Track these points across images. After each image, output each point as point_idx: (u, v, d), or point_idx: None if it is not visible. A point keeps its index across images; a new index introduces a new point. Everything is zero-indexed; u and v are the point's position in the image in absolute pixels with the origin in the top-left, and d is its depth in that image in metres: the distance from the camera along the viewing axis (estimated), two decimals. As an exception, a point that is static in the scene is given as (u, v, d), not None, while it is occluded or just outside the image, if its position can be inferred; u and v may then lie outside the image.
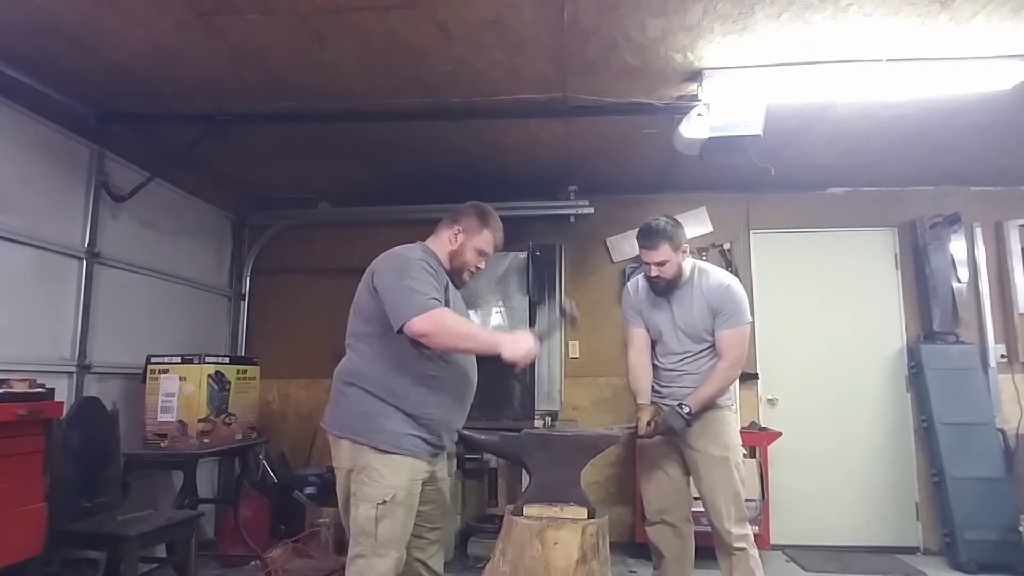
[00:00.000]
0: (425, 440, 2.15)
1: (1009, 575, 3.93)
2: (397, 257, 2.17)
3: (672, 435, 2.72)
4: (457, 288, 2.38)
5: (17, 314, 3.08)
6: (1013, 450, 4.32)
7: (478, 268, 2.37)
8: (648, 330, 2.90)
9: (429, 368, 2.15)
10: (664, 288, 2.78)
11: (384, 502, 2.04)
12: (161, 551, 3.47)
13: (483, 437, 2.44)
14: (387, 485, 2.06)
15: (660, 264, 2.72)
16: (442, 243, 2.32)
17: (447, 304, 2.15)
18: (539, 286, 4.63)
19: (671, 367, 2.84)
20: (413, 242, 2.32)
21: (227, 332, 4.99)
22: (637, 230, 2.82)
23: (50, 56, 2.90)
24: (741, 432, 4.27)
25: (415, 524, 2.18)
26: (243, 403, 3.99)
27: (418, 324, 1.99)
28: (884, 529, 4.54)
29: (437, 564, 2.34)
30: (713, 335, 2.75)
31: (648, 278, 2.82)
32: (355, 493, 2.10)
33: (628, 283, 3.06)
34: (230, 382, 3.86)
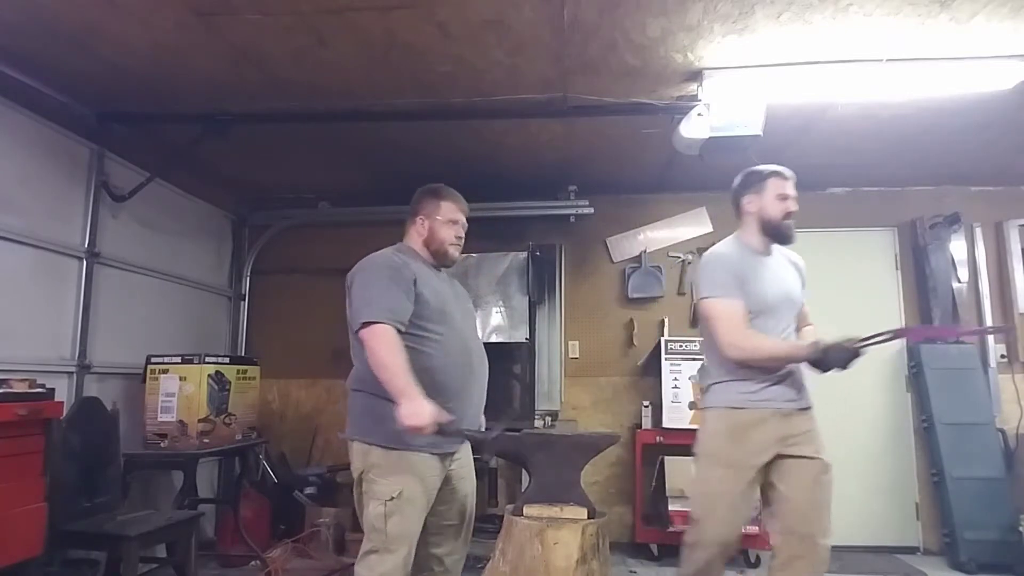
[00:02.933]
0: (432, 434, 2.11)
1: (1009, 575, 3.93)
2: (365, 263, 2.23)
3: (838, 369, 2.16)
4: (448, 265, 2.39)
5: (17, 314, 3.08)
6: (1013, 450, 4.32)
7: (459, 238, 2.36)
8: (745, 304, 2.30)
9: (420, 360, 2.11)
10: (791, 233, 2.39)
11: (392, 499, 2.06)
12: (161, 551, 3.47)
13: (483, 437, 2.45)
14: (394, 482, 2.08)
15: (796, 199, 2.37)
16: (414, 238, 2.35)
17: (428, 289, 2.17)
18: (539, 286, 4.64)
19: None
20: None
21: (227, 332, 4.99)
22: (758, 171, 2.42)
23: (50, 56, 2.90)
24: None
25: (434, 522, 2.21)
26: (243, 403, 3.99)
27: (363, 331, 2.05)
28: (884, 529, 4.54)
29: (454, 564, 2.31)
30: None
31: (781, 220, 2.36)
32: (365, 492, 2.14)
33: (717, 248, 2.45)
34: (230, 382, 3.87)
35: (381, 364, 2.00)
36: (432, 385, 2.09)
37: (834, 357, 2.14)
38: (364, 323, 2.04)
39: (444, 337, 2.17)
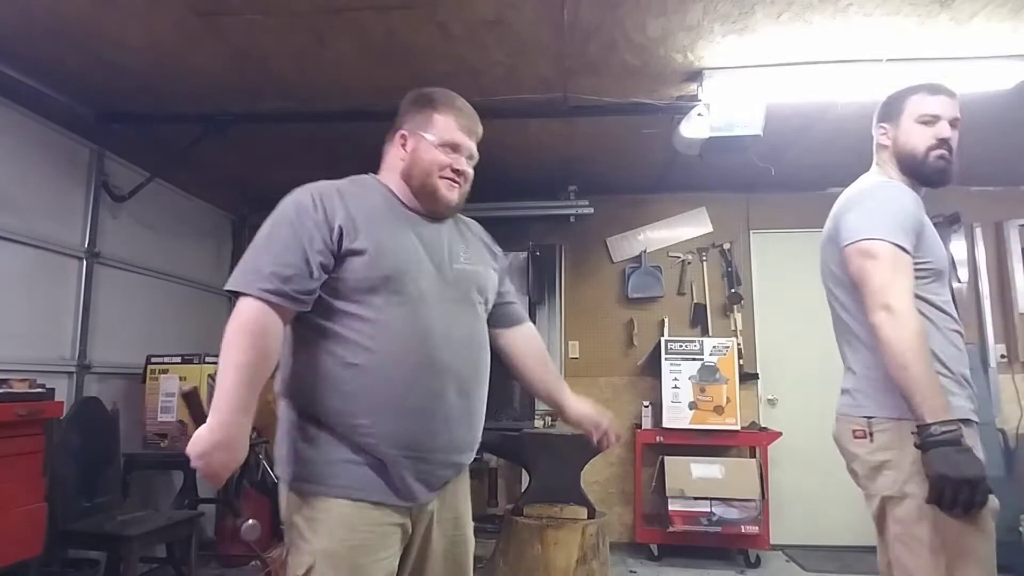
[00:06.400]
0: (373, 470, 1.33)
1: (1009, 575, 3.92)
2: (283, 201, 1.48)
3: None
4: (442, 218, 1.52)
5: (17, 314, 3.08)
6: (1013, 450, 4.31)
7: (457, 172, 1.50)
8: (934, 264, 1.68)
9: (341, 353, 1.33)
10: (948, 172, 1.75)
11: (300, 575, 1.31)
12: (161, 551, 3.47)
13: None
14: (306, 549, 1.31)
15: (956, 124, 1.72)
16: (392, 165, 1.55)
17: (375, 238, 1.37)
18: (539, 286, 4.64)
19: (960, 337, 1.68)
20: None
21: (227, 332, 4.98)
22: (924, 90, 1.79)
23: (50, 56, 2.90)
24: (741, 432, 4.31)
25: None
26: (243, 403, 3.98)
27: (237, 304, 1.34)
28: (884, 529, 4.54)
29: None
30: None
31: (936, 150, 1.73)
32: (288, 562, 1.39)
33: (895, 184, 1.80)
34: (230, 382, 3.86)
35: (225, 359, 1.29)
36: (357, 395, 1.32)
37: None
38: (240, 289, 1.33)
39: (388, 317, 1.33)
